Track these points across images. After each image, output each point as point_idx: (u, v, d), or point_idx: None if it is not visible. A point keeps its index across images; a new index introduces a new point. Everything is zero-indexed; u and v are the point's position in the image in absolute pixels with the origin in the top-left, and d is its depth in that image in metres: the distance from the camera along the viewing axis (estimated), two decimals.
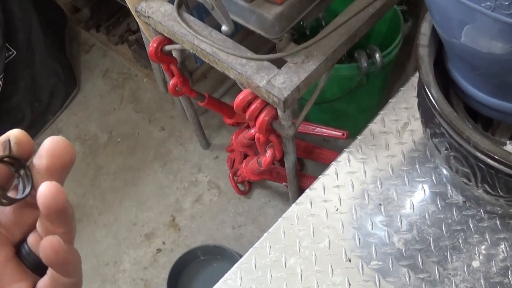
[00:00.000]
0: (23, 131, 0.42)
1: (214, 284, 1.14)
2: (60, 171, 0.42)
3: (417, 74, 1.07)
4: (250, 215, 2.44)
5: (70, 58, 3.13)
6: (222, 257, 2.14)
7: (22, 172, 0.42)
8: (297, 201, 1.22)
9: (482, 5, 0.73)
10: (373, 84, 2.17)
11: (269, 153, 1.63)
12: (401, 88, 1.37)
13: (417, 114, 1.12)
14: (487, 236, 1.15)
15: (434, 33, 0.99)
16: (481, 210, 1.17)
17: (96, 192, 2.68)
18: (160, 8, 1.65)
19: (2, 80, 2.66)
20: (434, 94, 0.94)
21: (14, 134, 0.41)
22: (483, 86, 0.95)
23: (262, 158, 1.70)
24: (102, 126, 2.91)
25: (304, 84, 1.41)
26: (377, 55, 1.96)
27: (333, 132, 1.93)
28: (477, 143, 0.85)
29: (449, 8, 0.82)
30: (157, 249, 2.44)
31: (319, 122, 2.06)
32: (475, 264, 1.12)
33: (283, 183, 2.22)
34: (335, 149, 2.21)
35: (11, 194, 0.43)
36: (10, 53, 2.69)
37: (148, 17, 1.65)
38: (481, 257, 1.13)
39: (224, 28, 1.42)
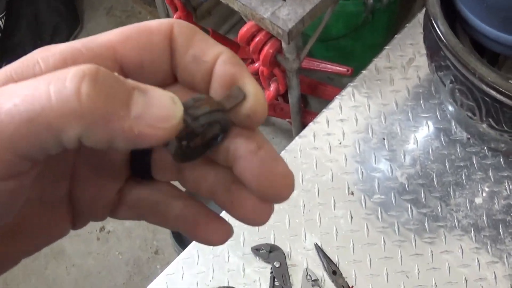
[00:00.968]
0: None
1: None
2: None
3: (423, 10, 1.06)
4: None
5: None
6: None
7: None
8: (300, 134, 1.22)
9: None
10: (379, 22, 2.14)
11: (272, 87, 1.62)
12: (407, 24, 1.35)
13: (423, 50, 1.11)
14: (490, 174, 1.15)
15: None
16: (485, 147, 1.17)
17: None
18: None
19: (4, 18, 2.63)
20: (440, 26, 0.92)
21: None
22: (490, 19, 0.94)
23: (265, 92, 1.69)
24: None
25: (309, 16, 1.39)
26: None
27: (338, 68, 1.92)
28: (482, 75, 0.84)
29: None
30: None
31: (325, 60, 2.04)
32: (478, 201, 1.13)
33: (287, 120, 2.21)
34: (339, 86, 2.19)
35: None
36: None
37: None
38: (484, 194, 1.13)
39: None
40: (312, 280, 1.07)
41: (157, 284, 1.11)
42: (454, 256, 1.08)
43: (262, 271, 1.09)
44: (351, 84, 1.27)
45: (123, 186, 0.34)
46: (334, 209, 1.13)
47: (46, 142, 0.24)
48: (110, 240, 2.42)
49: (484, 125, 0.95)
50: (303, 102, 2.34)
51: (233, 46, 2.10)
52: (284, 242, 1.11)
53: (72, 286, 2.34)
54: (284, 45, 1.46)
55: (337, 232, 1.11)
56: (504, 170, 1.15)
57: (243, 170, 0.30)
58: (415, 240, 1.10)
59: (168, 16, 2.68)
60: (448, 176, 1.15)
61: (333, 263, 1.08)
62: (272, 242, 1.11)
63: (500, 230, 1.10)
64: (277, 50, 1.48)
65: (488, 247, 1.08)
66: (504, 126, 0.92)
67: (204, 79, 0.30)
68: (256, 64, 1.61)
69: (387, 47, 1.32)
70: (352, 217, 1.12)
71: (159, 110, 0.25)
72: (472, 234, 1.10)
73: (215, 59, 0.30)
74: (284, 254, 1.09)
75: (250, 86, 0.29)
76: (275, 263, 1.08)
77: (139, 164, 0.33)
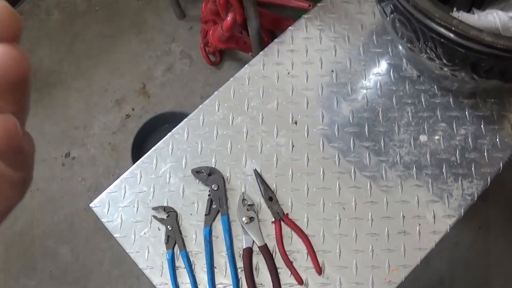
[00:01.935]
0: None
1: None
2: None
3: None
4: (219, 86, 2.36)
5: None
6: None
7: None
8: (250, 62, 1.22)
9: None
10: None
11: (229, 16, 1.60)
12: None
13: None
14: (438, 113, 1.15)
15: None
16: (435, 86, 1.17)
17: (71, 59, 2.65)
18: None
19: None
20: None
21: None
22: None
23: (224, 22, 1.67)
24: None
25: None
26: None
27: (299, 3, 1.90)
28: (416, 3, 0.83)
29: None
30: (126, 115, 2.46)
31: None
32: (423, 138, 1.13)
33: (250, 53, 2.20)
34: None
35: None
36: None
37: None
38: (429, 133, 1.13)
39: None
40: (248, 205, 1.08)
41: (99, 202, 1.11)
42: (394, 191, 1.09)
43: (200, 193, 1.10)
44: (305, 16, 1.26)
45: None
46: (277, 137, 1.14)
47: None
48: (74, 166, 2.43)
49: (424, 57, 0.95)
50: (269, 37, 2.32)
51: None
52: (225, 166, 1.12)
53: (35, 210, 2.35)
54: None
55: (277, 160, 1.12)
56: (453, 110, 1.15)
57: None
58: (355, 173, 1.11)
59: None
60: (394, 111, 1.15)
61: (271, 189, 1.09)
62: (213, 166, 1.12)
63: (443, 170, 1.11)
64: None
65: (429, 185, 1.09)
66: (442, 58, 0.91)
67: None
68: None
69: None
70: (293, 146, 1.13)
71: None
72: (413, 171, 1.11)
73: None
74: (223, 178, 1.10)
75: None
76: (213, 186, 1.09)
77: None
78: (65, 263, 2.26)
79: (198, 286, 1.04)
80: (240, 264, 1.05)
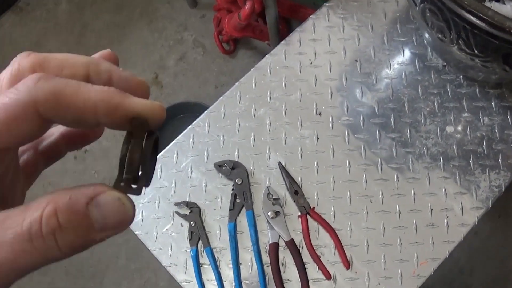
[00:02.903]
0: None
1: None
2: None
3: None
4: (234, 74, 2.41)
5: None
6: (201, 114, 2.10)
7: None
8: (271, 52, 1.19)
9: None
10: None
11: (248, 5, 1.57)
12: None
13: None
14: (464, 103, 1.12)
15: None
16: (461, 76, 1.14)
17: (80, 50, 2.62)
18: None
19: None
20: None
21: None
22: None
23: (241, 11, 1.64)
24: None
25: None
26: None
27: None
28: None
29: None
30: None
31: None
32: (449, 129, 1.11)
33: (266, 42, 2.17)
34: None
35: None
36: None
37: None
38: (456, 123, 1.11)
39: None
40: (274, 199, 1.06)
41: None
42: (421, 184, 1.07)
43: (224, 188, 1.08)
44: (327, 4, 1.23)
45: None
46: (301, 129, 1.12)
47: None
48: (86, 159, 2.41)
49: (455, 48, 0.92)
50: (285, 25, 2.29)
51: None
52: (248, 159, 1.10)
53: None
54: None
55: (302, 152, 1.10)
56: (479, 100, 1.13)
57: None
58: (381, 165, 1.08)
59: None
60: (420, 102, 1.13)
61: (296, 183, 1.07)
62: (236, 159, 1.10)
63: (471, 161, 1.08)
64: None
65: (457, 177, 1.07)
66: (474, 49, 0.89)
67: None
68: None
69: None
70: (318, 138, 1.11)
71: (115, 218, 0.32)
72: (440, 163, 1.08)
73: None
74: (247, 172, 1.08)
75: (138, 105, 0.34)
76: (237, 180, 1.07)
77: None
78: (80, 258, 2.24)
79: (224, 282, 1.02)
80: (266, 259, 1.03)
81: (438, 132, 1.10)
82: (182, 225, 1.06)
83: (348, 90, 1.14)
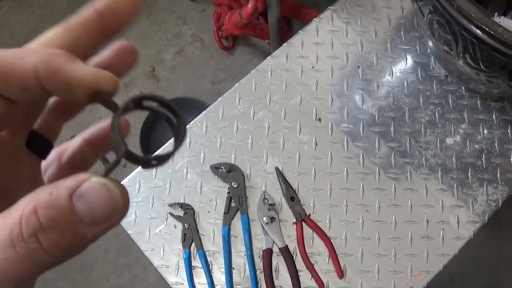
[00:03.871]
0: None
1: None
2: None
3: None
4: (231, 71, 2.40)
5: None
6: (197, 110, 2.09)
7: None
8: (273, 54, 1.17)
9: None
10: None
11: (251, 3, 1.56)
12: None
13: None
14: (465, 115, 1.11)
15: None
16: (463, 87, 1.13)
17: None
18: None
19: None
20: None
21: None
22: None
23: (244, 9, 1.63)
24: None
25: None
26: None
27: None
28: (461, 7, 0.79)
29: None
30: None
31: None
32: (449, 141, 1.10)
33: (267, 41, 2.16)
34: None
35: None
36: None
37: None
38: (456, 135, 1.10)
39: None
40: (269, 204, 1.04)
41: None
42: (418, 195, 1.06)
43: (219, 190, 1.07)
44: (331, 7, 1.21)
45: None
46: (299, 134, 1.10)
47: None
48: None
49: (461, 62, 0.91)
50: (286, 24, 2.28)
51: None
52: (245, 163, 1.08)
53: None
54: None
55: (299, 158, 1.08)
56: (480, 113, 1.12)
57: None
58: (379, 174, 1.07)
59: None
60: (420, 112, 1.12)
61: (292, 189, 1.06)
62: (233, 162, 1.08)
63: (469, 174, 1.07)
64: None
65: (454, 190, 1.06)
66: (480, 64, 0.87)
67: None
68: None
69: None
70: (317, 144, 1.09)
71: (103, 207, 0.27)
72: (439, 174, 1.07)
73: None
74: (243, 175, 1.07)
75: (81, 72, 0.30)
76: (233, 183, 1.05)
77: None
78: None
79: (216, 286, 1.01)
80: (259, 265, 1.02)
81: (437, 143, 1.09)
82: (175, 227, 1.05)
83: (349, 96, 1.13)
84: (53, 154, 0.39)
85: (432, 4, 0.87)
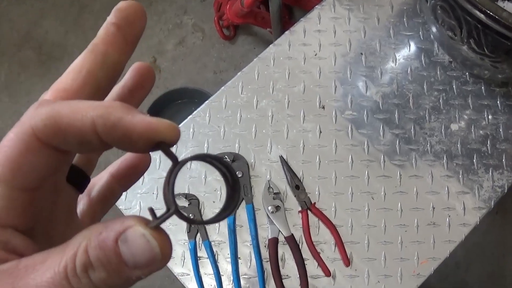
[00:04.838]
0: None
1: None
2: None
3: None
4: (233, 61, 2.38)
5: None
6: (200, 100, 2.09)
7: None
8: (275, 42, 1.16)
9: None
10: None
11: None
12: None
13: None
14: (469, 101, 1.11)
15: None
16: (467, 73, 1.12)
17: (78, 31, 2.59)
18: None
19: None
20: None
21: None
22: None
23: None
24: None
25: None
26: None
27: None
28: None
29: None
30: None
31: None
32: (454, 127, 1.09)
33: (268, 29, 2.15)
34: None
35: None
36: None
37: None
38: (460, 121, 1.09)
39: None
40: (274, 193, 1.04)
41: None
42: (424, 181, 1.05)
43: (223, 180, 1.06)
44: None
45: None
46: (303, 122, 1.09)
47: None
48: None
49: (465, 47, 0.90)
50: (288, 13, 2.27)
51: None
52: (249, 152, 1.08)
53: None
54: None
55: (304, 146, 1.08)
56: (485, 98, 1.11)
57: None
58: (384, 161, 1.07)
59: None
60: (425, 98, 1.11)
61: (297, 177, 1.05)
62: (237, 152, 1.08)
63: (474, 160, 1.07)
64: None
65: (460, 176, 1.06)
66: (485, 49, 0.87)
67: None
68: None
69: None
70: (321, 132, 1.09)
71: (142, 256, 0.29)
72: (444, 161, 1.07)
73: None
74: (248, 164, 1.06)
75: (141, 123, 0.30)
76: (237, 173, 1.05)
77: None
78: None
79: (222, 276, 1.01)
80: (265, 254, 1.01)
81: (442, 130, 1.09)
82: None
83: (353, 83, 1.12)
84: None
85: None
